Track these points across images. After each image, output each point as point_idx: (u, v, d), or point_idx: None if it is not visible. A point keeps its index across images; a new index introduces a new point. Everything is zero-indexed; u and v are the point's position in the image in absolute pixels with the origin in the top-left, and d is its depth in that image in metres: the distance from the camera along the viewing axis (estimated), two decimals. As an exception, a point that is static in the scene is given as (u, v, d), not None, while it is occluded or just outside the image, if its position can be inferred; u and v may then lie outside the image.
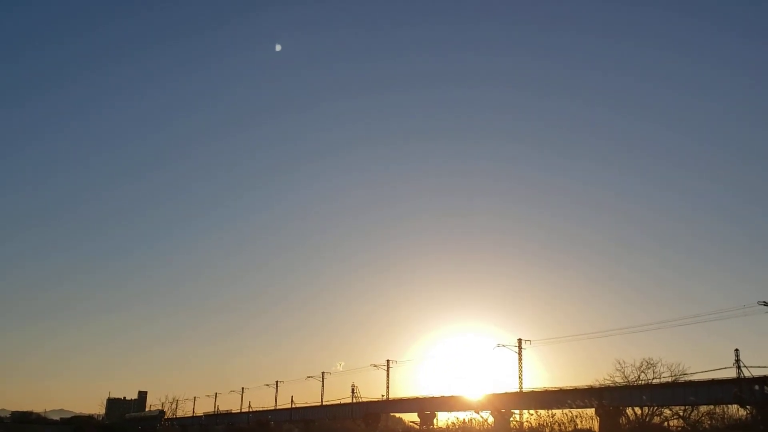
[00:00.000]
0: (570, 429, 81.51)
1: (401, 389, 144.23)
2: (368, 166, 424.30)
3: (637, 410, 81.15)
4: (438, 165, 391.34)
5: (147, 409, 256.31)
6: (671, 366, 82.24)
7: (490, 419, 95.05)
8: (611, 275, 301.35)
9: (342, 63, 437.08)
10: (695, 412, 76.90)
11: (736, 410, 71.81)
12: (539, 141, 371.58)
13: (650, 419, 79.88)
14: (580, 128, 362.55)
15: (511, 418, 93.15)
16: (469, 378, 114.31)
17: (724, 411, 73.71)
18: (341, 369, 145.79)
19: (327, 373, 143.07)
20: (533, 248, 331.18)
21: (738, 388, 67.46)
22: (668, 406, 78.25)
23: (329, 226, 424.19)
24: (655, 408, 79.21)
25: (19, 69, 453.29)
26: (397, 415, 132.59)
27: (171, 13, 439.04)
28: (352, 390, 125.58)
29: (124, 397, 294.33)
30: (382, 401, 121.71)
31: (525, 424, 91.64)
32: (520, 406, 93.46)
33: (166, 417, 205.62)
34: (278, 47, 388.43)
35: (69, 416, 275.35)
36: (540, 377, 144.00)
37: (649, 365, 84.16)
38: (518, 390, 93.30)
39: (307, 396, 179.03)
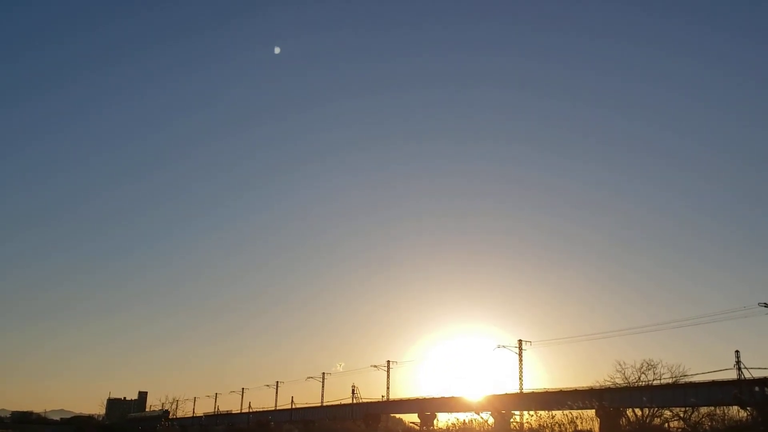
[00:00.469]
0: (570, 430, 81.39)
1: (401, 390, 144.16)
2: (368, 166, 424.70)
3: (638, 411, 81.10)
4: (438, 165, 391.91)
5: (147, 410, 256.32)
6: (671, 367, 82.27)
7: (491, 420, 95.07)
8: (611, 275, 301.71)
9: (342, 63, 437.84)
10: (695, 413, 76.85)
11: (736, 412, 71.78)
12: (539, 141, 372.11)
13: (651, 420, 79.79)
14: (580, 128, 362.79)
15: (512, 420, 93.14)
16: (470, 379, 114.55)
17: (724, 412, 73.61)
18: (341, 369, 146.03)
19: (327, 373, 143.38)
20: (533, 249, 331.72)
21: (738, 390, 67.49)
22: (668, 407, 78.24)
23: (329, 226, 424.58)
24: (656, 409, 79.13)
25: (19, 69, 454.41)
26: (398, 415, 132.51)
27: (171, 13, 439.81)
28: (353, 391, 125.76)
29: (125, 398, 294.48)
30: (382, 402, 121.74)
31: (525, 425, 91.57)
32: (521, 407, 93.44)
33: (168, 417, 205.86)
34: (277, 50, 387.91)
35: (69, 416, 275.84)
36: (540, 378, 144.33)
37: (650, 366, 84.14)
38: (518, 391, 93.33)
39: (307, 396, 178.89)
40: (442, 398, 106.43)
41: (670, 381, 79.35)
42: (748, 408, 67.96)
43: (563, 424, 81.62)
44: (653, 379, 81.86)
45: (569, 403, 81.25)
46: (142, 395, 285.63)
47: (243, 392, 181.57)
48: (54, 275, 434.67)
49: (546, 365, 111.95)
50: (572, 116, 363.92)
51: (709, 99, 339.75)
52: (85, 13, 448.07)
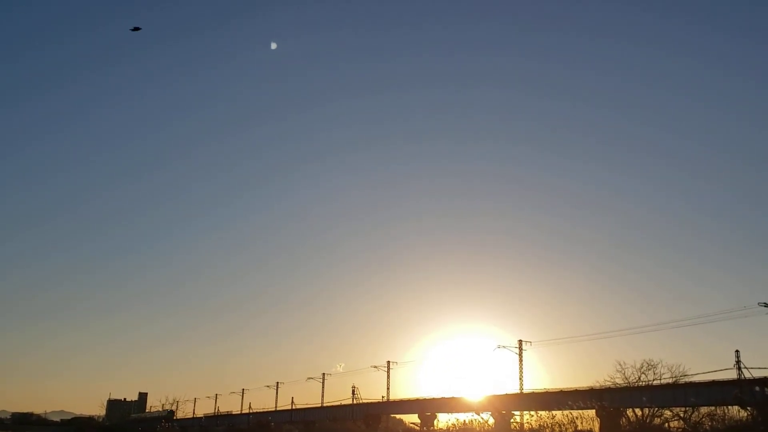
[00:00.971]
0: (570, 430, 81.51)
1: (402, 390, 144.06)
2: (368, 166, 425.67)
3: (638, 411, 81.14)
4: (438, 165, 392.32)
5: (147, 410, 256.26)
6: (672, 367, 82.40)
7: (491, 420, 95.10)
8: (611, 275, 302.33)
9: (342, 63, 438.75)
10: (696, 413, 76.92)
11: (736, 411, 71.89)
12: (539, 141, 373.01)
13: (651, 420, 79.83)
14: (580, 128, 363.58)
15: (512, 420, 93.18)
16: (470, 379, 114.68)
17: (724, 412, 73.70)
18: (341, 370, 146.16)
19: (327, 374, 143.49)
20: (533, 249, 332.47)
21: (738, 390, 67.52)
22: (669, 407, 78.27)
23: (329, 226, 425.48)
24: (656, 409, 79.17)
25: (19, 69, 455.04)
26: (398, 416, 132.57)
27: (171, 13, 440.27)
28: (353, 391, 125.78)
29: (125, 399, 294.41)
30: (382, 402, 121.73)
31: (525, 425, 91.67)
32: (521, 407, 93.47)
33: (173, 418, 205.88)
34: (273, 45, 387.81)
35: (69, 417, 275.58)
36: (540, 378, 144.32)
37: (650, 366, 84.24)
38: (519, 391, 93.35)
39: (307, 397, 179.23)
40: (443, 399, 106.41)
41: (670, 381, 79.41)
42: (748, 408, 67.98)
43: (563, 425, 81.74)
44: (653, 379, 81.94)
45: (569, 403, 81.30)
46: (143, 396, 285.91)
47: (243, 393, 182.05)
48: (54, 275, 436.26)
49: (546, 365, 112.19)
50: (572, 116, 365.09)
51: (709, 99, 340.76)
52: (85, 13, 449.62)
